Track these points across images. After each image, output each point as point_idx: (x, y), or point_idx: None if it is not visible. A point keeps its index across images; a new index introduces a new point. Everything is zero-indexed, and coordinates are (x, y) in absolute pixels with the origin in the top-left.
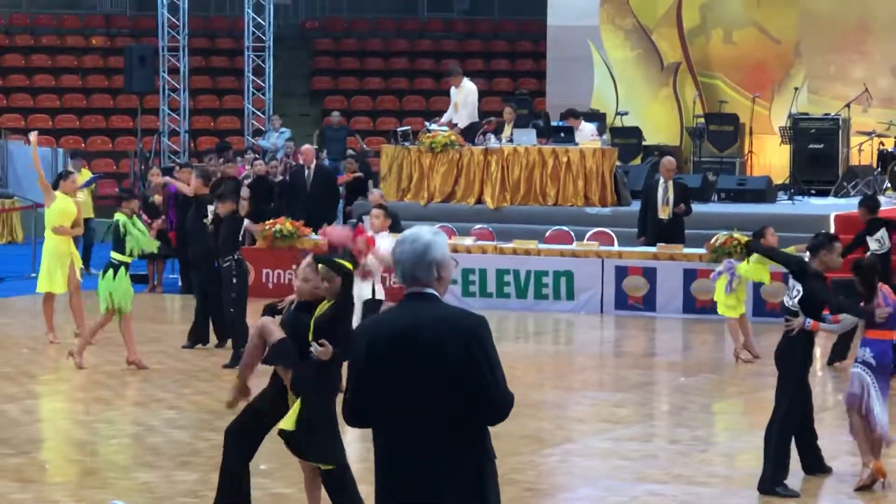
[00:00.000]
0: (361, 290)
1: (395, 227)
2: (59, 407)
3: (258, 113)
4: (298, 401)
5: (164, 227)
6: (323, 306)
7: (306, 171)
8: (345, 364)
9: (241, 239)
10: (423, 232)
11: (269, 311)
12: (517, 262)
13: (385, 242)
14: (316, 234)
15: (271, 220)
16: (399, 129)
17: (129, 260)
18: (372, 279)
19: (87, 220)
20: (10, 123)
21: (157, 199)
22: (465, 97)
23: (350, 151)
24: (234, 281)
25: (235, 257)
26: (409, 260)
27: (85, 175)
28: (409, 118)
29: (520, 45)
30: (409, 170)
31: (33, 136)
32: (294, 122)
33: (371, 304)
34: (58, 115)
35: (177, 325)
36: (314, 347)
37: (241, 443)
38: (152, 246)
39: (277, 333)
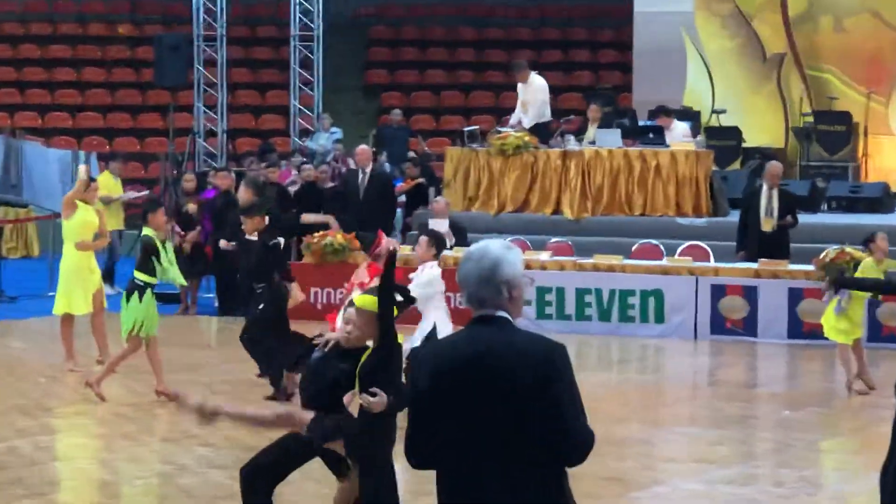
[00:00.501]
0: (422, 325)
1: (461, 241)
2: (79, 443)
3: (305, 111)
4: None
5: (198, 239)
6: (367, 353)
7: (360, 176)
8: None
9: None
10: (493, 247)
11: (306, 351)
12: (600, 279)
13: (429, 273)
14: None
15: (320, 233)
16: (466, 129)
17: (155, 281)
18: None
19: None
20: (25, 122)
21: (192, 207)
22: (533, 94)
23: (410, 154)
24: (263, 308)
25: (274, 281)
26: (475, 279)
27: (114, 187)
28: (476, 116)
29: (602, 34)
30: (477, 175)
31: (83, 170)
32: (346, 121)
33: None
34: (79, 112)
35: (213, 350)
36: (364, 398)
37: (263, 482)
38: (179, 279)
39: (307, 419)
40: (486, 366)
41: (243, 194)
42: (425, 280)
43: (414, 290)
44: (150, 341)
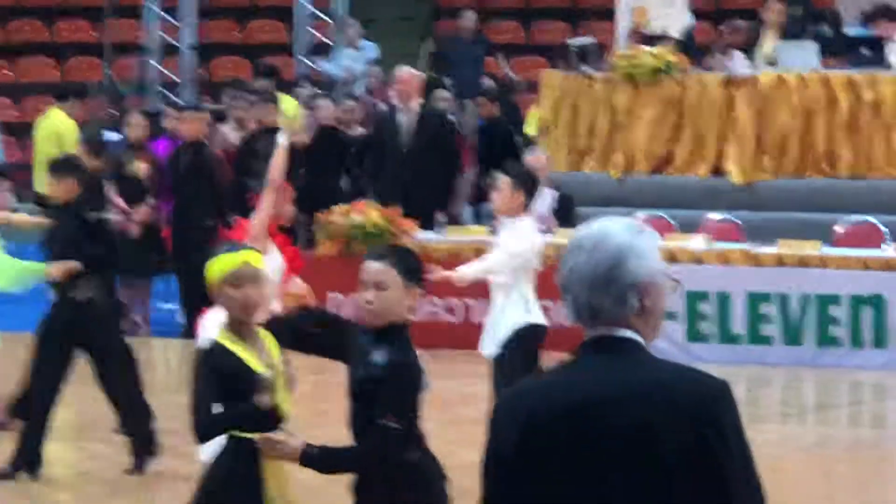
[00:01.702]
0: (509, 313)
1: (564, 219)
2: None
3: (320, 14)
4: None
5: (151, 217)
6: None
7: (403, 118)
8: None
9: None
10: (614, 229)
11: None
12: (785, 279)
13: (518, 232)
14: (424, 228)
15: (343, 207)
16: (573, 43)
17: None
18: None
19: None
20: None
21: (140, 167)
22: None
23: (486, 83)
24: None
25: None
26: (588, 281)
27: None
28: (588, 22)
29: None
30: (591, 115)
31: None
32: (385, 30)
33: (531, 335)
34: None
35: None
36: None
37: None
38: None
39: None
40: (606, 419)
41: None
42: (514, 244)
43: (494, 262)
44: None
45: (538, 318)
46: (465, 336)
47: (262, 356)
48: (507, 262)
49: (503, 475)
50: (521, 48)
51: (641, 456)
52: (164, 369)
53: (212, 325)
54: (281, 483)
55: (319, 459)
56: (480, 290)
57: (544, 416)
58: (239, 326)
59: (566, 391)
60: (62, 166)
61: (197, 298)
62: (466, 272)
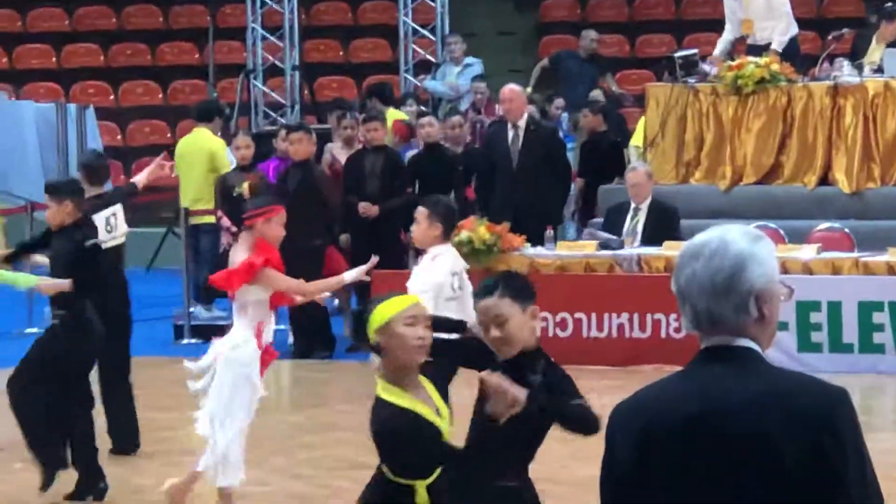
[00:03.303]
0: None
1: (670, 231)
2: None
3: (424, 32)
4: None
5: None
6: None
7: (510, 133)
8: None
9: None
10: (732, 237)
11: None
12: None
13: (434, 271)
14: (532, 244)
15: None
16: (678, 55)
17: None
18: None
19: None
20: None
21: (247, 189)
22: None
23: (594, 95)
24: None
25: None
26: (707, 288)
27: None
28: (692, 35)
29: None
30: (697, 127)
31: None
32: (487, 46)
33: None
34: (66, 44)
35: (287, 416)
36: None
37: None
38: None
39: None
40: (724, 429)
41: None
42: (422, 279)
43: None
44: None
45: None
46: (576, 351)
47: (429, 403)
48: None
49: (621, 489)
50: (626, 61)
51: (760, 465)
52: (275, 390)
53: (224, 346)
54: None
55: (548, 402)
56: (591, 304)
57: (662, 427)
58: (403, 374)
59: (684, 401)
60: (59, 190)
61: (306, 319)
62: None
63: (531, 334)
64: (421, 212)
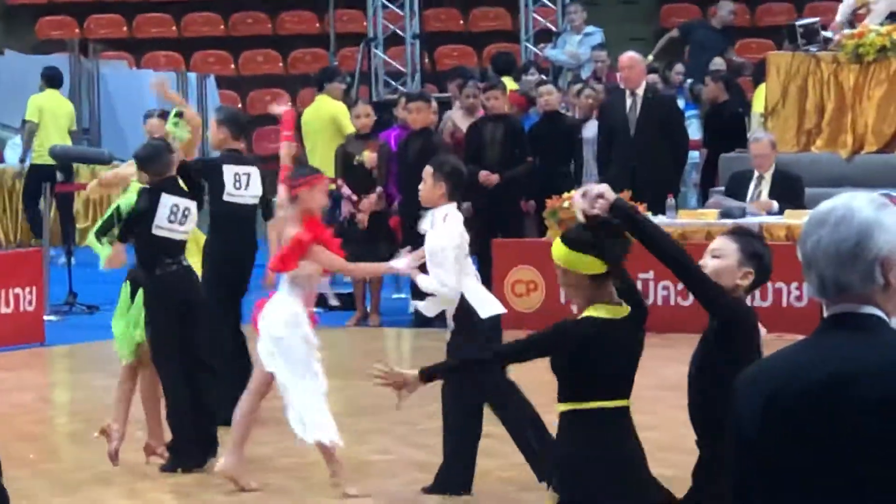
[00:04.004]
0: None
1: (793, 199)
2: None
3: (545, 2)
4: None
5: (380, 207)
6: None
7: (627, 101)
8: None
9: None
10: (858, 204)
11: None
12: None
13: (445, 229)
14: (653, 212)
15: (569, 195)
16: (798, 23)
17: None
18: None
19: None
20: (103, 32)
21: (368, 157)
22: None
23: (716, 63)
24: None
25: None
26: (833, 255)
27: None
28: (813, 3)
29: None
30: (818, 95)
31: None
32: (608, 15)
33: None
34: (184, 14)
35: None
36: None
37: None
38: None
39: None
40: (850, 395)
41: (215, 134)
42: (442, 239)
43: (439, 281)
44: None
45: (481, 308)
46: (697, 319)
47: None
48: (449, 275)
49: (748, 456)
50: (747, 31)
51: (887, 431)
52: (397, 359)
53: (272, 316)
54: None
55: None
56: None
57: (788, 393)
58: None
59: (810, 368)
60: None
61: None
62: (421, 282)
63: (728, 283)
64: (427, 170)
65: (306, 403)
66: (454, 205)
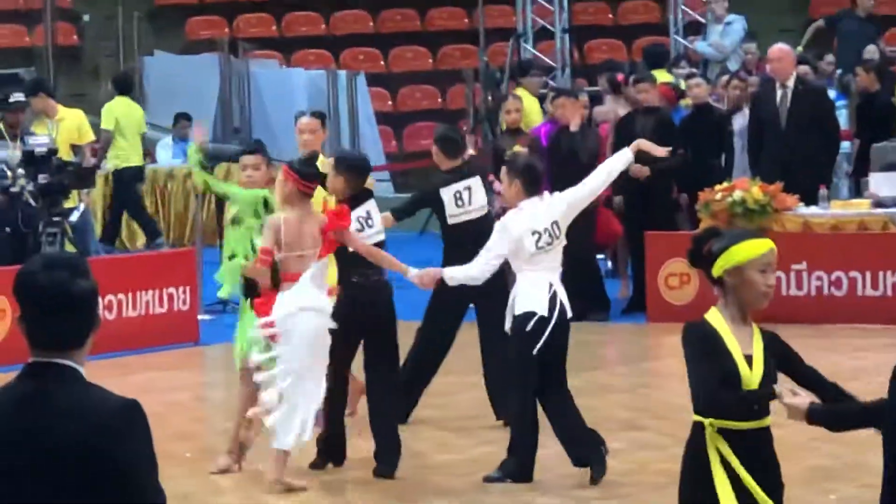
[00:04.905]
0: None
1: None
2: None
3: None
4: None
5: None
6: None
7: (778, 92)
8: None
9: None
10: None
11: None
12: None
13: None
14: (806, 203)
15: (724, 186)
16: None
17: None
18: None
19: None
20: (253, 31)
21: (519, 151)
22: None
23: (868, 52)
24: None
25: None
26: None
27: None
28: None
29: None
30: None
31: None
32: (759, 6)
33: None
34: (334, 12)
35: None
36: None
37: None
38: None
39: None
40: None
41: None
42: (491, 243)
43: (476, 269)
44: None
45: (534, 307)
46: (851, 310)
47: (743, 345)
48: (488, 266)
49: None
50: (893, 19)
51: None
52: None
53: (281, 307)
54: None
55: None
56: (866, 263)
57: None
58: (737, 312)
59: None
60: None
61: (582, 281)
62: (455, 274)
63: None
64: (503, 170)
65: (297, 407)
66: (534, 199)
